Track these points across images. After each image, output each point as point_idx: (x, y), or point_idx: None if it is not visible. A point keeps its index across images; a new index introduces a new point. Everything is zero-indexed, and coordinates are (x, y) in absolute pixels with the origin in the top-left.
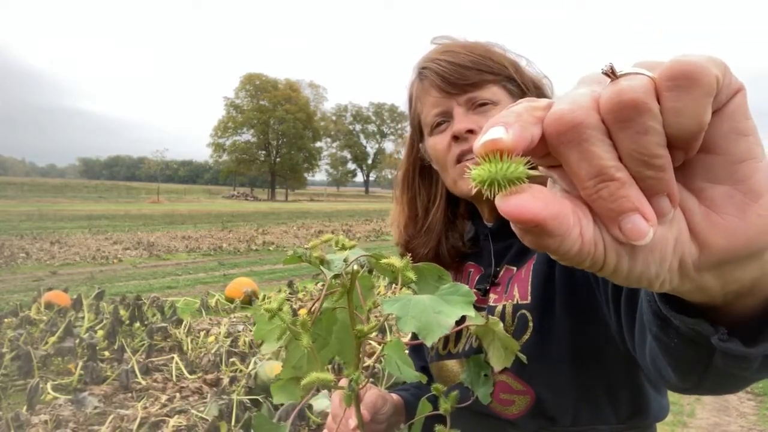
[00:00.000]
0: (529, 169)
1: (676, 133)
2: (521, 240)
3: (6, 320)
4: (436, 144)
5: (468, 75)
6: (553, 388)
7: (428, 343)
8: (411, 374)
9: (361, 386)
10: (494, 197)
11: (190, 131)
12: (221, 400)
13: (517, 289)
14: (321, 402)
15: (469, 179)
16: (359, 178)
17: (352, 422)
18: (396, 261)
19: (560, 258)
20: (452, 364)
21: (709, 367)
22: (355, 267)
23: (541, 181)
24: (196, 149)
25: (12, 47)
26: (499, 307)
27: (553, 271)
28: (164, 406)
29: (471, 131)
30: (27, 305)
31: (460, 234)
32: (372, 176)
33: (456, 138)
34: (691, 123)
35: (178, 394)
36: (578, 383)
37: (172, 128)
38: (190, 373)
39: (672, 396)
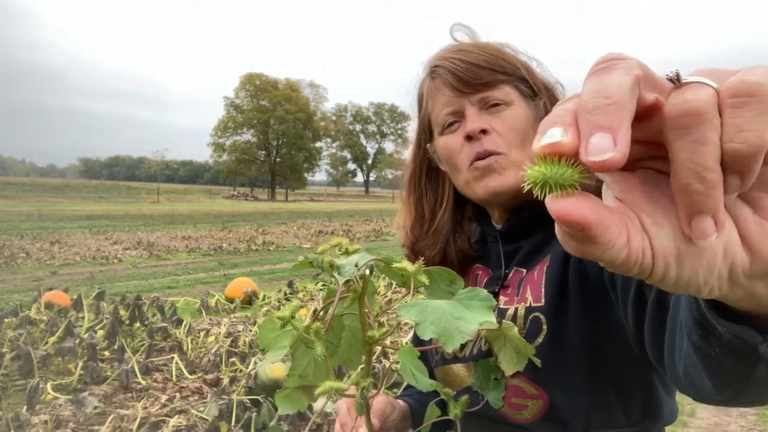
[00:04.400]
0: (583, 176)
1: (734, 151)
2: (565, 247)
3: (6, 320)
4: (448, 143)
5: (481, 74)
6: (566, 391)
7: (449, 350)
8: (426, 382)
9: (371, 395)
10: (544, 198)
11: (190, 131)
12: (221, 400)
13: (530, 291)
14: (319, 402)
15: (525, 177)
16: (359, 178)
17: (362, 431)
18: (408, 265)
19: (608, 265)
20: (459, 369)
21: (750, 378)
22: (366, 271)
23: (595, 189)
24: (196, 149)
25: (8, 43)
26: (511, 310)
27: (566, 273)
28: (164, 406)
29: (484, 131)
30: (27, 305)
31: (467, 236)
32: (372, 176)
33: (469, 138)
34: (752, 140)
35: (178, 394)
36: (591, 387)
37: (172, 128)
38: (190, 373)
39: None
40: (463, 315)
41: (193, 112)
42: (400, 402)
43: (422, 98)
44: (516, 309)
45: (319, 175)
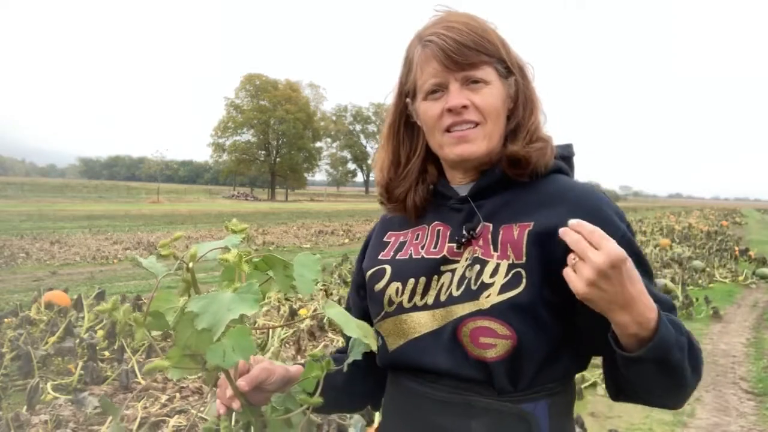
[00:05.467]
0: None
1: None
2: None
3: (6, 320)
4: (429, 110)
5: (469, 55)
6: (535, 336)
7: (215, 338)
8: (232, 362)
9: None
10: None
11: (190, 131)
12: None
13: (511, 249)
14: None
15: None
16: (359, 178)
17: (229, 392)
18: (231, 256)
19: None
20: (420, 316)
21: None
22: (213, 257)
23: None
24: (196, 149)
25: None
26: (492, 263)
27: (554, 248)
28: (164, 406)
29: (464, 107)
30: (27, 305)
31: (427, 188)
32: (372, 176)
33: (449, 110)
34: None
35: (178, 394)
36: (556, 338)
37: (172, 128)
38: None
39: None
40: (234, 307)
41: (193, 112)
42: (292, 368)
43: (411, 63)
44: (498, 264)
45: (319, 175)
